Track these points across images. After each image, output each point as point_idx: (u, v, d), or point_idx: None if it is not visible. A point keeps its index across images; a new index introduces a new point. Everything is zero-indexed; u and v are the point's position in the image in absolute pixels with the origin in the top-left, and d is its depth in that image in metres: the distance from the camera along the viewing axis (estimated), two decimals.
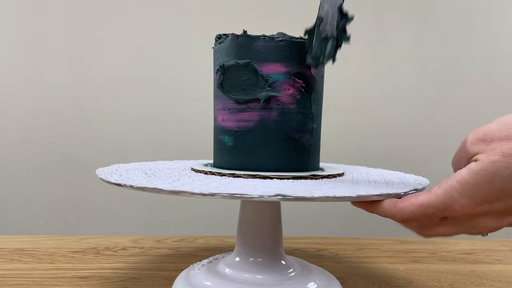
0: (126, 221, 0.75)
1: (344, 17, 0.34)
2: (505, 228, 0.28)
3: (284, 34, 0.37)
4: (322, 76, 0.40)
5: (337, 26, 0.34)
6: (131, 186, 0.30)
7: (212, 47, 0.40)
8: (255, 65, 0.36)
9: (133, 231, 0.75)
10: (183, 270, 0.43)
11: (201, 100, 0.74)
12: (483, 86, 0.79)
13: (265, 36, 0.36)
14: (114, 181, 0.32)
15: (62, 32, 0.72)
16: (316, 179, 0.36)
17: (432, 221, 0.28)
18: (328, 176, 0.37)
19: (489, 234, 0.28)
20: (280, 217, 0.41)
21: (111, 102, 0.74)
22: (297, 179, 0.35)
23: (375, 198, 0.29)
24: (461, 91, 0.79)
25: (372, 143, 0.78)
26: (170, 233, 0.75)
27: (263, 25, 0.72)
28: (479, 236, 0.30)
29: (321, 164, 0.46)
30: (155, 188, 0.29)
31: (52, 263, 0.50)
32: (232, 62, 0.37)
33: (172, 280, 0.42)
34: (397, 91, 0.78)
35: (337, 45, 0.34)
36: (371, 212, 0.31)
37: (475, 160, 0.25)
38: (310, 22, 0.35)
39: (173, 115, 0.75)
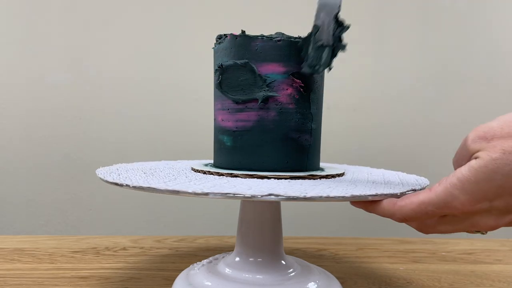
0: (126, 221, 0.75)
1: (340, 26, 0.34)
2: (505, 228, 0.28)
3: (283, 33, 0.37)
4: (322, 76, 0.40)
5: (333, 34, 0.34)
6: (127, 186, 0.31)
7: (213, 48, 0.40)
8: (253, 65, 0.36)
9: (133, 231, 0.75)
10: (183, 270, 0.43)
11: (201, 100, 0.74)
12: (483, 86, 0.79)
13: (263, 36, 0.36)
14: (111, 180, 0.33)
15: (62, 32, 0.72)
16: (314, 179, 0.36)
17: (432, 219, 0.28)
18: (326, 176, 0.37)
19: (488, 232, 0.28)
20: (280, 217, 0.41)
21: (111, 102, 0.74)
22: (295, 179, 0.35)
23: (370, 198, 0.29)
24: (461, 91, 0.79)
25: (372, 143, 0.78)
26: (170, 233, 0.75)
27: (264, 25, 0.72)
28: (478, 235, 0.30)
29: (323, 165, 0.46)
30: (150, 187, 0.29)
31: (52, 263, 0.50)
32: (230, 62, 0.37)
33: (172, 280, 0.42)
34: (397, 91, 0.78)
35: (333, 54, 0.35)
36: (370, 212, 0.31)
37: (476, 158, 0.25)
38: (310, 22, 0.35)
39: (173, 115, 0.75)
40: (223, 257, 0.44)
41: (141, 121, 0.74)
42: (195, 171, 0.39)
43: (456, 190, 0.25)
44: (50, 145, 0.73)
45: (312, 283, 0.39)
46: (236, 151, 0.38)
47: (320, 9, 0.33)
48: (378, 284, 0.46)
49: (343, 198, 0.28)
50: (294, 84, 0.37)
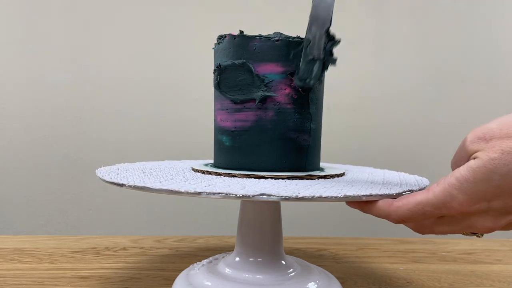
0: (126, 221, 0.75)
1: (331, 40, 0.34)
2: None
3: (281, 33, 0.37)
4: (322, 76, 0.40)
5: (325, 48, 0.34)
6: (123, 185, 0.31)
7: (213, 48, 0.40)
8: (250, 65, 0.36)
9: (133, 231, 0.75)
10: (183, 270, 0.43)
11: (201, 100, 0.74)
12: (483, 86, 0.79)
13: (261, 36, 0.36)
14: (108, 179, 0.33)
15: (62, 32, 0.72)
16: (312, 179, 0.36)
17: (429, 220, 0.28)
18: (325, 177, 0.37)
19: (484, 235, 0.28)
20: (280, 217, 0.41)
21: (111, 102, 0.74)
22: (292, 179, 0.35)
23: (364, 199, 0.29)
24: (461, 91, 0.79)
25: (372, 143, 0.78)
26: (170, 233, 0.75)
27: (264, 25, 0.72)
28: (475, 237, 0.29)
29: (324, 165, 0.46)
30: (145, 187, 0.29)
31: (52, 263, 0.50)
32: (228, 62, 0.37)
33: (172, 280, 0.42)
34: (397, 91, 0.78)
35: (324, 67, 0.35)
36: (366, 212, 0.30)
37: (474, 158, 0.25)
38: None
39: (173, 115, 0.75)
40: (223, 257, 0.44)
41: (141, 121, 0.74)
42: (195, 171, 0.39)
43: (454, 190, 0.25)
44: (50, 145, 0.73)
45: (312, 283, 0.39)
46: (235, 151, 0.38)
47: (312, 22, 0.34)
48: (378, 284, 0.46)
49: (336, 199, 0.28)
50: (292, 84, 0.36)
